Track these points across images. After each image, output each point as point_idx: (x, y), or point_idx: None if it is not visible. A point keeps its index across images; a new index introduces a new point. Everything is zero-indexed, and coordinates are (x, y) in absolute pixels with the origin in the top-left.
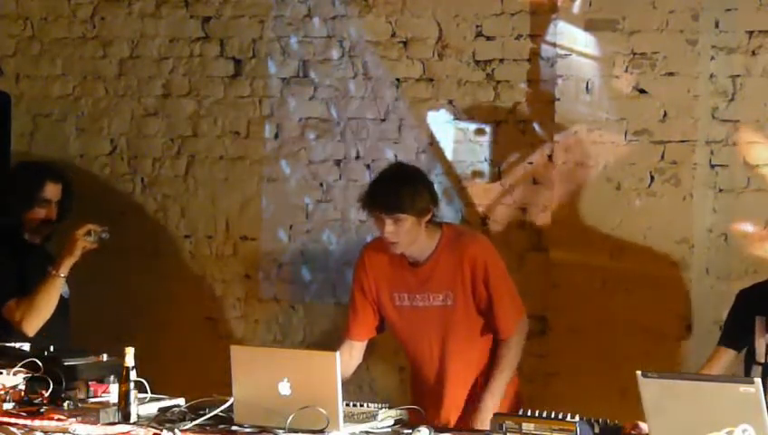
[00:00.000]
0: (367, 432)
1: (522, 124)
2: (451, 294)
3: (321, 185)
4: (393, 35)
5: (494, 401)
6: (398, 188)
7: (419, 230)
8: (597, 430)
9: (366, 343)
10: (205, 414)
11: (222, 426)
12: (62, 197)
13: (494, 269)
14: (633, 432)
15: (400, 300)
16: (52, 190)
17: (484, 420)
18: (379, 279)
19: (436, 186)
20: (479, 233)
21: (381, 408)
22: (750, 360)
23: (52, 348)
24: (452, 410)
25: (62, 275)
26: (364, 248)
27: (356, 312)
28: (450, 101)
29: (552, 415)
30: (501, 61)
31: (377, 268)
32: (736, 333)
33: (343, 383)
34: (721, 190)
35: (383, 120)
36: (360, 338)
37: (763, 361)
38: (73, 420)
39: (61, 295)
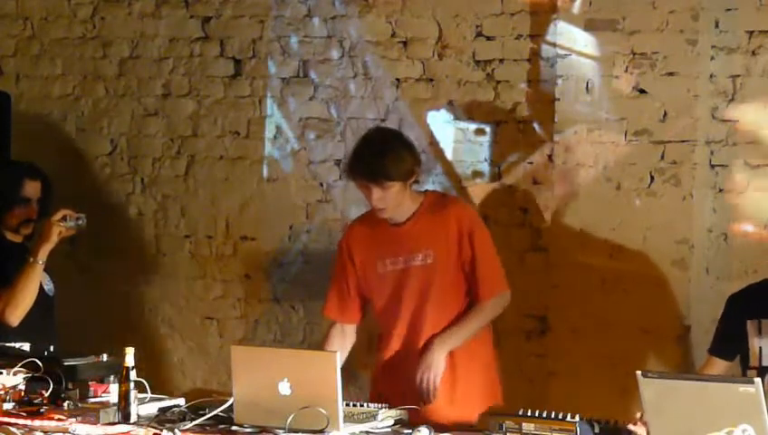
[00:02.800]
0: (367, 432)
1: (522, 124)
2: (431, 253)
3: (321, 185)
4: (393, 35)
5: (441, 348)
6: (382, 156)
7: (405, 193)
8: (597, 430)
9: (356, 325)
10: (205, 414)
11: (222, 426)
12: (42, 195)
13: (480, 231)
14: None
15: (383, 267)
16: (31, 189)
17: (428, 365)
18: (364, 252)
19: (436, 186)
20: (464, 201)
21: (381, 408)
22: (744, 364)
23: (51, 348)
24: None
25: (40, 261)
26: (346, 231)
27: (342, 295)
28: (450, 101)
29: (552, 415)
30: (501, 61)
31: (359, 246)
32: (726, 341)
33: (343, 382)
34: (721, 190)
35: (383, 121)
36: (350, 320)
37: (756, 364)
38: (73, 420)
39: (45, 292)
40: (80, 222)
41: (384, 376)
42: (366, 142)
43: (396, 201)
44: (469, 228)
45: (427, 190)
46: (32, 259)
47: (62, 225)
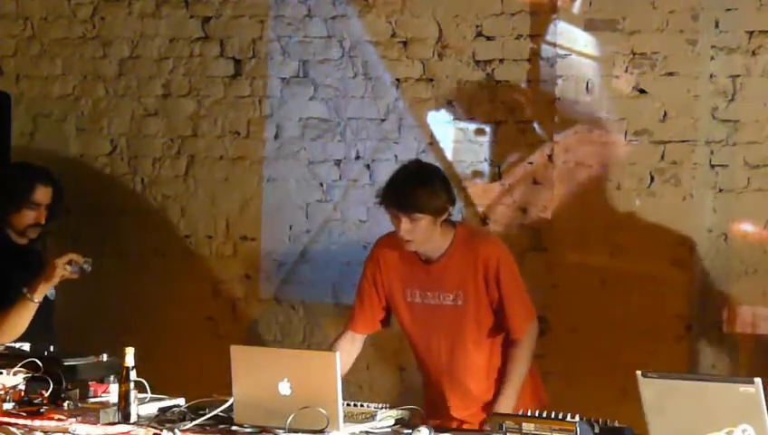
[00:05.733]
0: (367, 432)
1: (522, 124)
2: (462, 294)
3: (321, 185)
4: (393, 35)
5: (508, 404)
6: (416, 187)
7: (435, 229)
8: (597, 430)
9: (366, 335)
10: (205, 414)
11: (222, 426)
12: (52, 200)
13: (505, 270)
14: None
15: (412, 296)
16: (42, 194)
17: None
18: (392, 274)
19: None
20: (492, 233)
21: (381, 408)
22: None
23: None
24: (458, 408)
25: (36, 300)
26: (377, 242)
27: (363, 305)
28: (450, 101)
29: (552, 415)
30: (501, 61)
31: (390, 263)
32: None
33: (343, 382)
34: (721, 190)
35: (383, 120)
36: (362, 331)
37: None
38: (73, 420)
39: (47, 296)
40: (85, 266)
41: (431, 410)
42: (402, 172)
43: (424, 235)
44: (495, 270)
45: (456, 223)
46: (28, 295)
47: (68, 268)
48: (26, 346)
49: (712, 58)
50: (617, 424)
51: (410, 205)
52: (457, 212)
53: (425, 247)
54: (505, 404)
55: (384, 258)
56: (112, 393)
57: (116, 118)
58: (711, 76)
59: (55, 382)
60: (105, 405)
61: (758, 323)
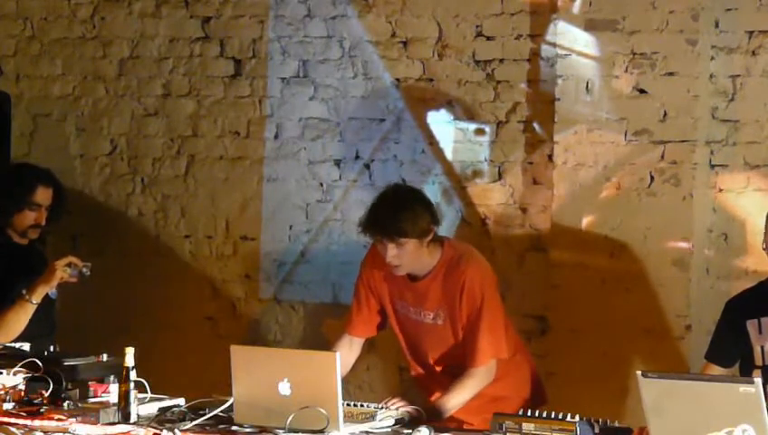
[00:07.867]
0: (367, 432)
1: (522, 124)
2: (441, 314)
3: (321, 185)
4: (393, 35)
5: (444, 415)
6: (398, 213)
7: (421, 251)
8: (597, 430)
9: (364, 339)
10: (205, 414)
11: (222, 426)
12: (53, 202)
13: (484, 302)
14: None
15: (399, 307)
16: (43, 195)
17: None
18: (384, 281)
19: (436, 186)
20: (479, 257)
21: (381, 408)
22: (749, 365)
23: (52, 348)
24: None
25: (34, 301)
26: (372, 248)
27: (360, 308)
28: (450, 101)
29: (552, 415)
30: (501, 61)
31: (383, 270)
32: (725, 346)
33: (343, 382)
34: (721, 190)
35: (383, 120)
36: (360, 334)
37: (761, 363)
38: (73, 420)
39: (48, 296)
40: (84, 271)
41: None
42: (382, 199)
43: (411, 258)
44: (471, 299)
45: (444, 241)
46: (26, 296)
47: (67, 271)
48: (26, 346)
49: (712, 58)
50: (617, 424)
51: (394, 231)
52: (457, 212)
53: (412, 268)
54: (445, 411)
55: (378, 264)
56: (112, 393)
57: (116, 118)
58: (711, 76)
59: (55, 382)
60: (105, 405)
61: None
